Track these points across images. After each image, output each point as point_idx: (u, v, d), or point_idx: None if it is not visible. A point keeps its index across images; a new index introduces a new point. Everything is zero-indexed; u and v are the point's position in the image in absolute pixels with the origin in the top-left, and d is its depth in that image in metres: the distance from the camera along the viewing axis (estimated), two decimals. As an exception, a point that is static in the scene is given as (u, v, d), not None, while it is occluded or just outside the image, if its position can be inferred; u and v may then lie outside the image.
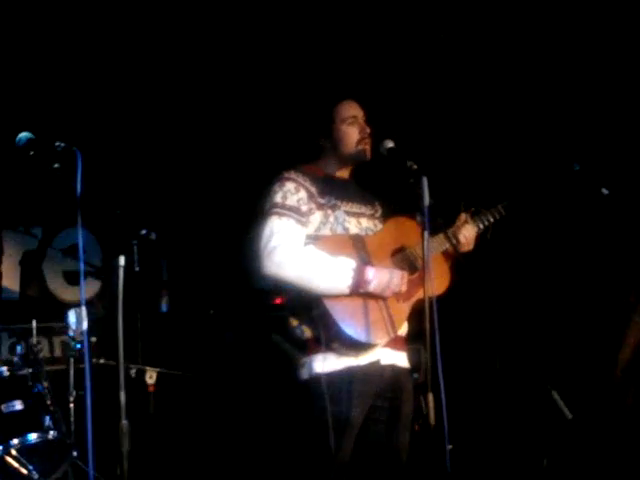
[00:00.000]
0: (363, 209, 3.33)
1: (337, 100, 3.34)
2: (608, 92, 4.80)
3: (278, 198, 3.14)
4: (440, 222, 3.12)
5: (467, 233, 3.29)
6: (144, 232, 3.22)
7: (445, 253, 3.29)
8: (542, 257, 5.16)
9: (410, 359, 3.30)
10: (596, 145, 4.62)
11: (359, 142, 3.27)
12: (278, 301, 4.87)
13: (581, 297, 4.91)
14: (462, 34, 4.97)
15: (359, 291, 3.04)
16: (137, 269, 3.12)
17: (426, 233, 2.89)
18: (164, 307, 5.86)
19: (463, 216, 3.34)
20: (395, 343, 3.17)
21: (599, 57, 4.77)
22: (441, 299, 3.10)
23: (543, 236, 5.05)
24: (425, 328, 2.83)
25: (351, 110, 3.31)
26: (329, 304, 3.02)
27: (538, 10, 4.78)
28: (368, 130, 3.29)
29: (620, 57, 4.74)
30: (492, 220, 3.37)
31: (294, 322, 3.16)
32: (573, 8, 4.71)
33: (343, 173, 3.35)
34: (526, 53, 4.93)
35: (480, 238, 3.37)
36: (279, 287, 3.15)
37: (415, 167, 3.00)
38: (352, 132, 3.27)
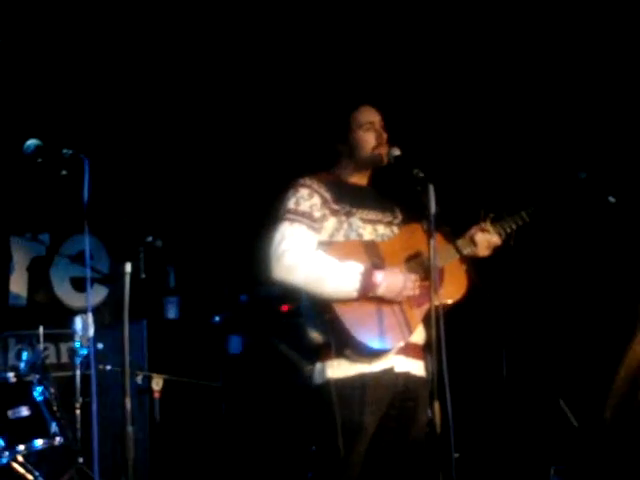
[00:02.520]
0: (380, 216, 3.31)
1: (354, 106, 3.32)
2: (614, 100, 4.79)
3: (291, 204, 3.15)
4: (447, 230, 3.10)
5: (484, 238, 3.27)
6: (150, 239, 3.22)
7: (462, 258, 3.26)
8: (550, 264, 5.15)
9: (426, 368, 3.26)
10: (602, 153, 4.61)
11: (375, 148, 3.26)
12: (285, 308, 4.88)
13: (588, 305, 4.89)
14: (476, 43, 4.97)
15: (368, 295, 3.02)
16: (143, 276, 3.12)
17: (432, 241, 2.88)
18: (171, 314, 5.87)
19: (482, 224, 3.31)
20: (409, 351, 3.14)
21: (606, 67, 4.77)
22: (449, 307, 3.10)
23: (550, 244, 5.04)
24: (432, 336, 2.82)
25: (368, 116, 3.29)
26: (340, 310, 3.01)
27: (550, 18, 4.79)
28: (385, 136, 3.28)
29: (626, 66, 4.74)
30: (514, 227, 3.34)
31: (305, 327, 3.15)
32: (583, 16, 4.71)
33: (360, 180, 3.34)
34: (536, 62, 4.93)
35: (502, 245, 3.33)
36: (290, 293, 3.14)
37: (421, 175, 2.99)
38: (369, 138, 3.26)
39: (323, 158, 3.34)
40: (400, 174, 3.10)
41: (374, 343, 3.01)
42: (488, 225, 3.31)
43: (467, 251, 3.25)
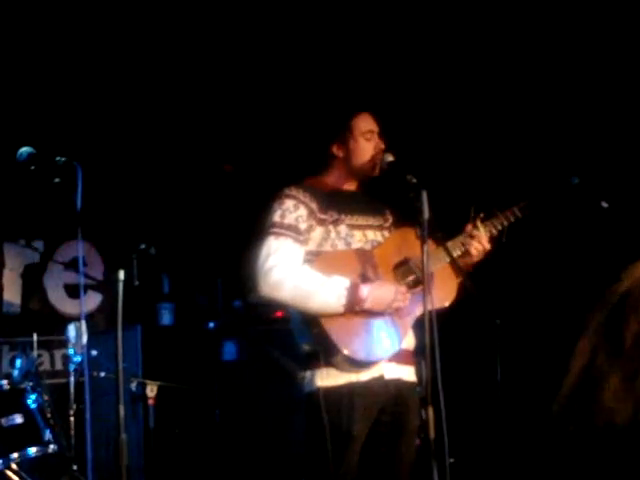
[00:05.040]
0: (371, 220, 3.28)
1: (357, 110, 3.29)
2: (607, 105, 4.81)
3: (276, 217, 3.12)
4: (440, 236, 3.09)
5: (480, 247, 3.21)
6: (143, 246, 3.23)
7: (454, 266, 3.21)
8: (542, 270, 5.16)
9: (416, 373, 3.26)
10: (595, 158, 4.62)
11: (372, 158, 3.23)
12: (279, 314, 4.88)
13: (582, 310, 4.90)
14: (467, 48, 4.99)
15: (355, 309, 3.01)
16: (137, 283, 3.13)
17: (425, 247, 2.87)
18: (165, 320, 5.86)
19: (469, 227, 3.26)
20: (400, 357, 3.14)
21: (599, 71, 4.78)
22: (442, 312, 3.10)
23: (543, 249, 5.05)
24: (425, 341, 2.82)
25: (370, 124, 3.26)
26: (327, 324, 2.99)
27: (542, 25, 4.80)
28: (382, 146, 3.25)
29: (620, 71, 4.75)
30: (506, 224, 3.28)
31: (296, 337, 3.15)
32: (577, 22, 4.73)
33: (350, 185, 3.31)
34: (528, 65, 4.94)
35: (494, 243, 3.27)
36: (277, 306, 3.13)
37: (415, 181, 2.98)
38: (368, 147, 3.23)
39: (316, 161, 3.31)
40: (393, 180, 3.09)
41: (362, 356, 3.01)
42: (478, 223, 3.26)
43: (457, 253, 3.19)
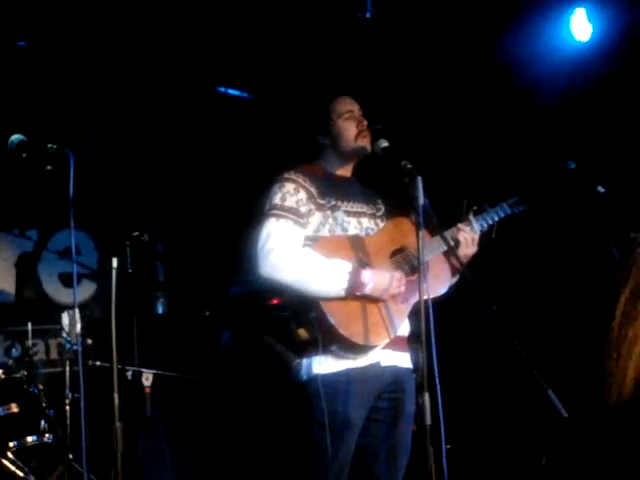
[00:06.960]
0: (365, 208, 3.30)
1: (332, 96, 3.32)
2: (604, 90, 4.79)
3: (277, 199, 3.13)
4: (435, 222, 3.08)
5: (467, 235, 3.24)
6: (137, 233, 3.21)
7: (448, 257, 3.23)
8: (539, 256, 5.16)
9: (411, 359, 3.27)
10: (591, 143, 4.62)
11: (357, 136, 3.25)
12: (275, 302, 4.87)
13: (577, 296, 4.90)
14: (460, 30, 4.97)
15: (355, 294, 3.02)
16: (130, 271, 3.11)
17: (420, 232, 2.87)
18: (160, 309, 5.85)
19: (460, 225, 3.27)
20: (396, 344, 3.15)
21: (592, 57, 4.77)
22: (438, 299, 3.10)
23: (539, 235, 5.04)
24: (421, 328, 2.82)
25: (347, 105, 3.30)
26: (326, 307, 3.00)
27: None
28: (365, 123, 3.27)
29: (616, 56, 4.74)
30: (497, 219, 3.32)
31: (292, 324, 3.15)
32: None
33: (344, 171, 3.33)
34: (522, 54, 4.93)
35: (485, 238, 3.31)
36: (276, 288, 3.13)
37: (409, 166, 2.99)
38: (349, 126, 3.25)
39: (307, 151, 3.33)
40: (388, 166, 3.09)
41: (360, 340, 3.01)
42: (470, 217, 3.29)
43: (451, 244, 3.20)
